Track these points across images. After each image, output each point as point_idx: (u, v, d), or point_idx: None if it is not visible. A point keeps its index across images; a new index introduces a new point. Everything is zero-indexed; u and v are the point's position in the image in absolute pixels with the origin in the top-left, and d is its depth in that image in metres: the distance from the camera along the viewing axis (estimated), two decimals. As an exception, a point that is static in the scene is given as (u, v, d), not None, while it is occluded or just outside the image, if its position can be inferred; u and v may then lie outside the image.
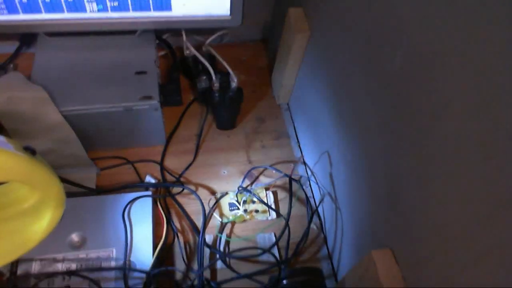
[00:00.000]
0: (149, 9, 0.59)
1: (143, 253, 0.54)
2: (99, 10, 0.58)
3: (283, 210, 0.62)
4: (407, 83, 0.35)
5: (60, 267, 0.51)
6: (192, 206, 0.61)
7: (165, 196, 0.61)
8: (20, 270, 0.50)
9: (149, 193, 0.59)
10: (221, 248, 0.59)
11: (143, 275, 0.52)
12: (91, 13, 0.58)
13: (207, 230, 0.59)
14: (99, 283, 0.50)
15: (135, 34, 0.63)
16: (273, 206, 0.62)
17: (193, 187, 0.64)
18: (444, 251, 0.33)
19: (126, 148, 0.66)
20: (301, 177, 0.67)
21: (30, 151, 0.40)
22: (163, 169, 0.65)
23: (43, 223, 0.44)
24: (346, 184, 0.52)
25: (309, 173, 0.67)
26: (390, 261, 0.40)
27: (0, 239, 0.43)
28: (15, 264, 0.50)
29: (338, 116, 0.52)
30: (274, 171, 0.64)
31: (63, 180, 0.44)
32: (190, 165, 0.66)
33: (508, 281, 0.26)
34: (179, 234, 0.59)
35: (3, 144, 0.37)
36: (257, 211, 0.61)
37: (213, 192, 0.64)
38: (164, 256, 0.56)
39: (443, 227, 0.32)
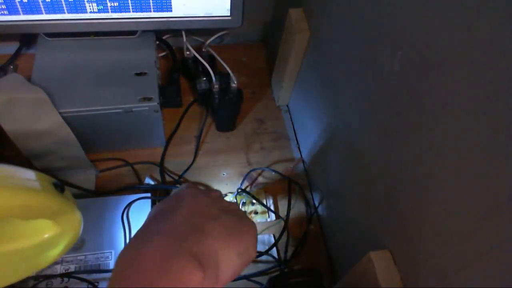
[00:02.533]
0: (149, 10, 0.59)
1: (142, 254, 0.54)
2: (99, 11, 0.58)
3: (282, 211, 0.62)
4: (407, 83, 0.35)
5: (58, 268, 0.51)
6: (191, 208, 0.61)
7: (164, 198, 0.61)
8: (18, 271, 0.50)
9: (149, 194, 0.59)
10: (220, 250, 0.58)
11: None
12: (91, 14, 0.58)
13: (206, 231, 0.59)
14: (97, 285, 0.50)
15: (135, 35, 0.63)
16: (272, 208, 0.62)
17: (192, 189, 0.64)
18: (442, 251, 0.32)
19: (126, 150, 0.66)
20: (300, 178, 0.67)
21: (59, 188, 0.40)
22: (162, 170, 0.64)
23: (57, 250, 0.45)
24: (345, 185, 0.52)
25: (308, 174, 0.66)
26: (388, 262, 0.40)
27: (14, 264, 0.44)
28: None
29: (338, 117, 0.52)
30: (273, 173, 0.64)
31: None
32: (189, 166, 0.66)
33: (507, 281, 0.26)
34: (178, 236, 0.58)
35: (32, 182, 0.37)
36: (256, 212, 0.61)
37: (212, 194, 0.64)
38: (163, 257, 0.56)
39: (442, 227, 0.32)
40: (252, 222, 0.39)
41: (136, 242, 0.34)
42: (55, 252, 0.45)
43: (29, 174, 0.38)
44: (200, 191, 0.41)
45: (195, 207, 0.37)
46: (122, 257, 0.33)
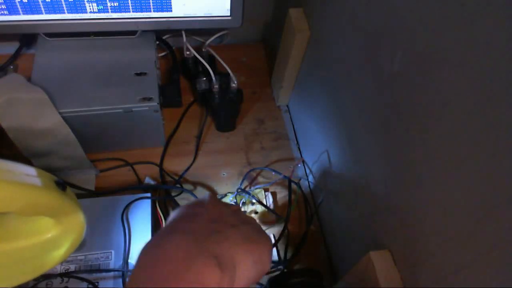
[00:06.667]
0: (149, 10, 0.59)
1: (142, 254, 0.54)
2: (99, 11, 0.58)
3: (282, 211, 0.62)
4: (407, 83, 0.35)
5: (58, 268, 0.51)
6: (191, 208, 0.61)
7: (164, 198, 0.61)
8: (18, 271, 0.50)
9: (148, 195, 0.59)
10: (220, 250, 0.58)
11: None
12: (91, 14, 0.58)
13: (206, 231, 0.59)
14: (97, 284, 0.50)
15: (135, 35, 0.63)
16: (272, 208, 0.62)
17: (192, 189, 0.64)
18: (442, 251, 0.32)
19: (126, 150, 0.65)
20: (300, 178, 0.67)
21: (61, 186, 0.40)
22: (162, 171, 0.64)
23: (61, 251, 0.44)
24: (345, 185, 0.52)
25: (308, 174, 0.66)
26: (388, 262, 0.40)
27: (17, 264, 0.43)
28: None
29: (338, 117, 0.52)
30: (273, 173, 0.64)
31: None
32: (189, 167, 0.66)
33: (507, 281, 0.26)
34: (178, 236, 0.58)
35: (34, 179, 0.37)
36: (256, 212, 0.61)
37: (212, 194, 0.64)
38: (163, 257, 0.56)
39: (441, 227, 0.32)
40: (268, 236, 0.40)
41: (159, 239, 0.36)
42: (58, 254, 0.44)
43: (30, 170, 0.38)
44: (221, 202, 0.44)
45: (215, 214, 0.39)
46: (145, 253, 0.35)
